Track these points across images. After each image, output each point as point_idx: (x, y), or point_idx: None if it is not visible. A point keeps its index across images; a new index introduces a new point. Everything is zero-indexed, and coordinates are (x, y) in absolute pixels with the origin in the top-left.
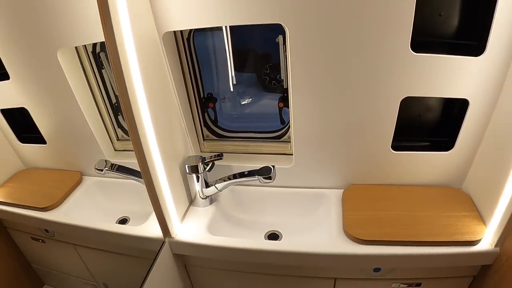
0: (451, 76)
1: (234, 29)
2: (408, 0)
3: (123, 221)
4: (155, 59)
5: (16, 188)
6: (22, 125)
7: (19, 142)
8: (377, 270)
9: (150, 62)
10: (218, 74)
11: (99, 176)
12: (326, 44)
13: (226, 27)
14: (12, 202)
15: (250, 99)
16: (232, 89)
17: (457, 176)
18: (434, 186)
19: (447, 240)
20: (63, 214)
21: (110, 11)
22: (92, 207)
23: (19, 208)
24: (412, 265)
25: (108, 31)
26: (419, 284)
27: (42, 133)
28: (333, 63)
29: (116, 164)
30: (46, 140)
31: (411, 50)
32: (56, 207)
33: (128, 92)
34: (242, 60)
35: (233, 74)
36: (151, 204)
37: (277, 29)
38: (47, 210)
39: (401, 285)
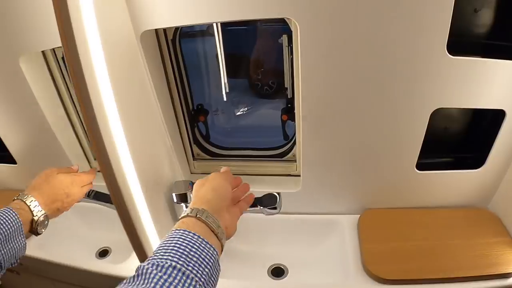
0: (488, 83)
1: (223, 34)
2: None
3: (104, 252)
4: (130, 64)
5: None
6: None
7: None
8: None
9: (124, 68)
10: (209, 82)
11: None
12: (346, 45)
13: (218, 29)
14: None
15: (246, 109)
16: (225, 98)
17: (484, 195)
18: (458, 208)
19: (481, 274)
20: (36, 247)
21: (68, 4)
22: (69, 236)
23: None
24: None
25: (65, 28)
26: None
27: (10, 151)
28: (354, 70)
29: (93, 191)
30: (16, 159)
31: (447, 53)
32: (29, 236)
33: (94, 106)
34: (232, 66)
35: (226, 81)
36: None
37: (268, 31)
38: None
39: None
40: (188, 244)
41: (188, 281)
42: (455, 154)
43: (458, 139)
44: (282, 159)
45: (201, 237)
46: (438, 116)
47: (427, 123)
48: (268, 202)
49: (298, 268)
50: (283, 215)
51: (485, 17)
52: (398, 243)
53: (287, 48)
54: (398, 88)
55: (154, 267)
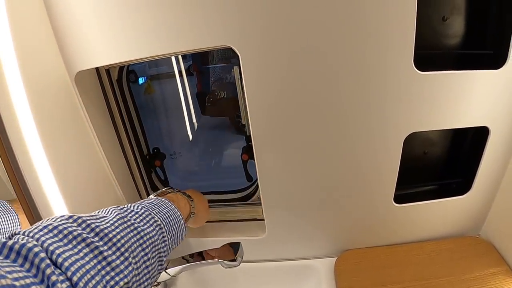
0: (466, 98)
1: (200, 73)
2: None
3: None
4: (64, 110)
5: None
6: None
7: None
8: None
9: (56, 115)
10: (169, 123)
11: None
12: (296, 71)
13: (181, 69)
14: None
15: (212, 148)
16: (191, 138)
17: (474, 221)
18: (446, 239)
19: None
20: None
21: None
22: None
23: None
24: None
25: None
26: None
27: None
28: (309, 97)
29: None
30: None
31: (415, 68)
32: None
33: (20, 163)
34: (211, 104)
35: (194, 120)
36: None
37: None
38: None
39: None
40: (159, 204)
41: (152, 221)
42: (438, 181)
43: (440, 164)
44: (246, 202)
45: (173, 204)
46: (415, 141)
47: (401, 150)
48: (227, 253)
49: None
50: (249, 264)
51: (456, 26)
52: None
53: (239, 80)
54: (363, 114)
55: (131, 206)
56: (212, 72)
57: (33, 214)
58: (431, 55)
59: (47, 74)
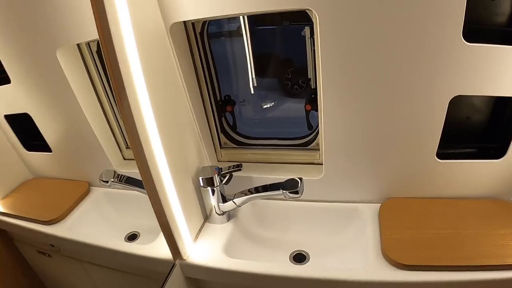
0: (507, 70)
1: (253, 33)
2: None
3: (133, 236)
4: (161, 55)
5: (21, 199)
6: (28, 131)
7: (25, 150)
8: None
9: (155, 59)
10: (237, 76)
11: (108, 187)
12: (363, 33)
13: (246, 29)
14: (16, 214)
15: (273, 103)
16: (252, 92)
17: (506, 186)
18: (480, 199)
19: (502, 264)
20: (68, 229)
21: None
22: (100, 220)
23: (23, 221)
24: None
25: (102, 22)
26: None
27: (46, 140)
28: (372, 57)
29: (124, 175)
30: (51, 148)
31: (463, 40)
32: (61, 220)
33: (128, 94)
34: (262, 65)
35: (254, 76)
36: None
37: (298, 31)
38: (51, 224)
39: None
40: None
41: None
42: (478, 144)
43: (481, 129)
44: (306, 148)
45: None
46: (459, 106)
47: (446, 110)
48: (290, 186)
49: (319, 254)
50: (305, 203)
51: (503, 5)
52: (418, 230)
53: (309, 39)
54: (417, 77)
55: None
56: (265, 34)
57: (135, 143)
58: (479, 29)
59: (149, 26)
